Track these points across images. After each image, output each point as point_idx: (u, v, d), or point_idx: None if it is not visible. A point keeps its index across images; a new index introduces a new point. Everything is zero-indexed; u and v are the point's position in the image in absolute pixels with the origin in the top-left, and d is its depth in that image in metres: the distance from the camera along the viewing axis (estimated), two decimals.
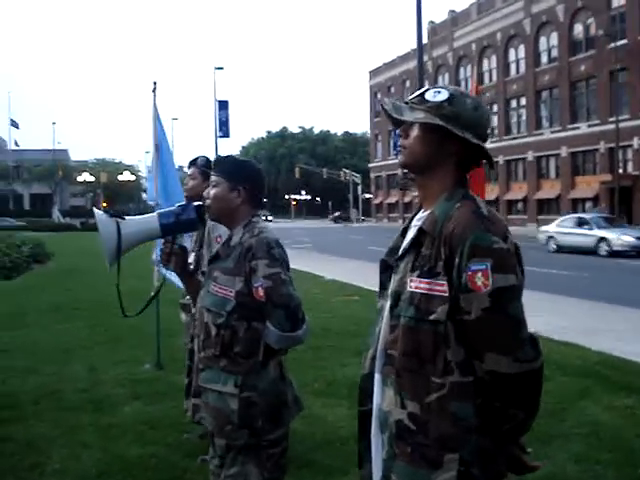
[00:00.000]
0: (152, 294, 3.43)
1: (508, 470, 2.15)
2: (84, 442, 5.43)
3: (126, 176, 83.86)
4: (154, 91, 7.68)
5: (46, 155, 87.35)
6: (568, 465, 4.86)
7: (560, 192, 48.54)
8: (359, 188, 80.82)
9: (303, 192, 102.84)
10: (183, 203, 3.33)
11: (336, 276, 17.51)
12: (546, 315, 11.08)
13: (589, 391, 6.72)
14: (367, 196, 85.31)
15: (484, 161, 2.23)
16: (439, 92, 2.14)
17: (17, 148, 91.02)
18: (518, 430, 2.09)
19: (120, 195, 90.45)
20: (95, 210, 3.17)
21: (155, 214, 3.28)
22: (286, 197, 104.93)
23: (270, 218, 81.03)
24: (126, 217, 3.21)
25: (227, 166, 3.20)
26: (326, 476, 4.72)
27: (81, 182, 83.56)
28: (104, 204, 79.15)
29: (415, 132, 2.14)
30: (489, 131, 2.21)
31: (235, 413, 2.99)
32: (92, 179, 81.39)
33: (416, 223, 2.18)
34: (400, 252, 2.18)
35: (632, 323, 10.95)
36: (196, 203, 3.32)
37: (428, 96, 2.14)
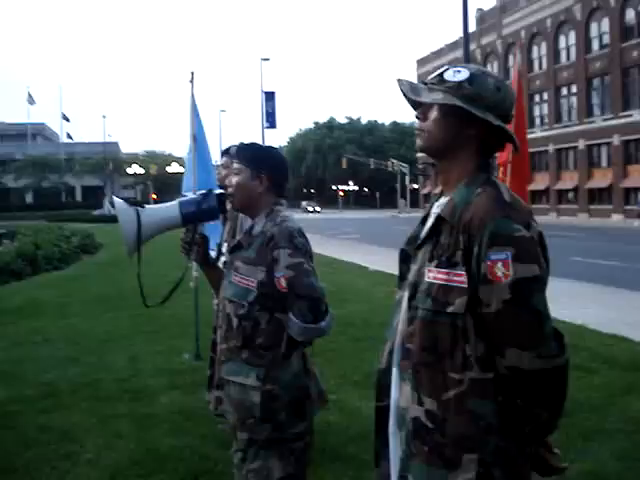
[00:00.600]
0: (175, 284, 3.37)
1: (534, 471, 2.03)
2: (119, 432, 5.45)
3: (175, 168, 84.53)
4: (192, 81, 7.66)
5: (97, 148, 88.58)
6: (610, 462, 4.68)
7: (612, 181, 47.55)
8: (407, 178, 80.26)
9: (350, 183, 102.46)
10: (204, 192, 3.26)
11: (381, 267, 17.35)
12: (593, 307, 10.82)
13: (636, 386, 6.50)
14: (415, 186, 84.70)
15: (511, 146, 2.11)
16: (459, 71, 2.02)
17: (69, 141, 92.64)
18: (542, 431, 1.98)
19: (169, 187, 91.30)
20: (115, 198, 3.13)
21: (176, 202, 3.23)
22: (333, 188, 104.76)
23: (318, 209, 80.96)
24: (146, 206, 3.16)
25: (249, 154, 3.12)
26: (359, 470, 4.63)
27: (131, 174, 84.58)
28: (154, 196, 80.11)
29: (434, 114, 2.03)
30: (513, 112, 2.09)
31: (257, 406, 2.93)
32: (142, 171, 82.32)
33: (435, 210, 2.07)
34: (419, 241, 2.08)
35: None
36: (218, 191, 3.26)
37: (447, 76, 2.02)
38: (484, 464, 1.89)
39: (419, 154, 77.47)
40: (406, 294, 2.07)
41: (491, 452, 1.89)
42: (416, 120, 2.09)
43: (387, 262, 18.66)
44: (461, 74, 2.01)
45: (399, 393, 2.06)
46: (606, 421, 5.51)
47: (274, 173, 3.10)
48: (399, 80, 2.09)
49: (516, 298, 1.83)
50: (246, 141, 3.31)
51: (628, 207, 46.13)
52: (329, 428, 5.37)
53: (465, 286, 1.89)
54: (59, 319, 10.72)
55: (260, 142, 3.40)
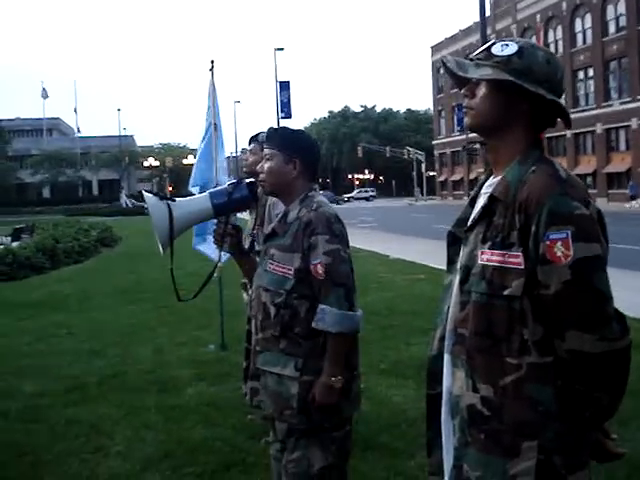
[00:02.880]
0: (206, 278, 3.32)
1: (591, 457, 1.97)
2: (148, 424, 5.41)
3: (190, 160, 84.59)
4: (212, 70, 7.61)
5: (113, 141, 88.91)
6: None
7: (631, 165, 47.10)
8: (423, 166, 79.92)
9: (366, 171, 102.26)
10: (234, 181, 3.20)
11: (401, 255, 17.29)
12: (621, 291, 10.67)
13: None
14: (431, 174, 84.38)
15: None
16: (507, 45, 1.94)
17: (84, 135, 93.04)
18: (602, 415, 1.91)
19: (185, 179, 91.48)
20: (145, 193, 3.06)
21: (207, 194, 3.17)
22: (349, 177, 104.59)
23: (346, 197, 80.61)
24: (177, 199, 3.10)
25: (281, 138, 3.05)
26: (392, 459, 4.58)
27: (147, 167, 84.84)
28: (170, 188, 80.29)
29: (482, 91, 1.95)
30: (564, 85, 2.00)
31: (295, 397, 2.86)
32: (157, 164, 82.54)
33: (486, 190, 1.99)
34: (470, 222, 2.00)
35: None
36: (248, 180, 3.19)
37: (495, 50, 1.94)
38: (544, 451, 1.82)
39: (434, 141, 77.50)
40: (457, 278, 2.00)
41: (551, 439, 1.83)
42: (464, 99, 2.01)
43: (406, 250, 18.65)
44: (509, 48, 1.93)
45: (452, 380, 2.00)
46: None
47: (307, 157, 3.03)
48: (444, 57, 2.01)
49: (577, 279, 1.75)
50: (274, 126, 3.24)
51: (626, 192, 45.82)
52: (359, 417, 5.29)
53: (522, 267, 1.82)
54: (81, 312, 10.74)
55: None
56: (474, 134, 2.04)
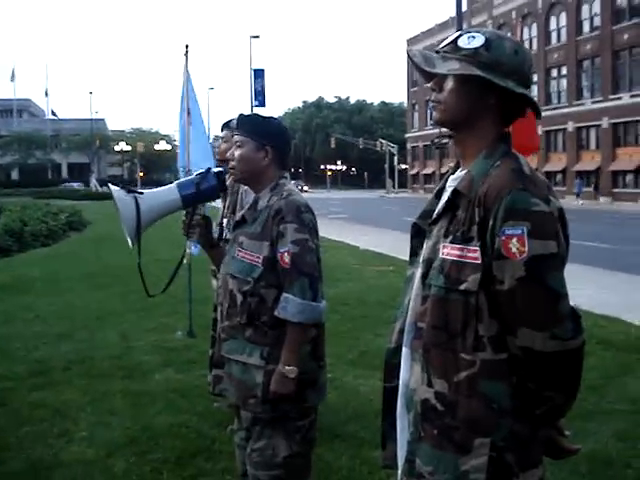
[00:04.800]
0: (174, 271, 3.29)
1: (545, 455, 1.96)
2: (113, 409, 5.38)
3: (162, 146, 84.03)
4: (186, 54, 7.55)
5: (84, 125, 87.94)
6: (610, 442, 4.67)
7: (600, 164, 47.61)
8: (395, 159, 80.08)
9: (339, 162, 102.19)
10: (201, 171, 3.16)
11: (371, 246, 17.32)
12: (589, 289, 10.82)
13: (631, 367, 6.50)
14: (403, 166, 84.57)
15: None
16: (474, 37, 1.90)
17: (55, 118, 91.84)
18: (554, 414, 1.90)
19: (157, 164, 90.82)
20: (111, 186, 3.00)
21: (174, 185, 3.12)
22: (322, 167, 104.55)
23: (306, 188, 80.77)
24: (144, 191, 3.06)
25: (252, 125, 3.01)
26: (359, 448, 4.60)
27: (118, 151, 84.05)
28: (141, 174, 79.68)
29: (450, 84, 1.91)
30: (532, 75, 1.99)
31: (259, 386, 2.85)
32: (129, 148, 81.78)
33: (451, 184, 1.97)
34: (434, 216, 1.98)
35: None
36: (216, 169, 3.15)
37: (462, 43, 1.90)
38: (496, 448, 1.81)
39: (407, 134, 77.63)
40: (419, 271, 1.99)
41: (504, 436, 1.81)
42: (432, 92, 1.98)
43: (377, 241, 18.70)
44: (476, 40, 1.89)
45: (409, 374, 1.98)
46: (604, 401, 5.50)
47: (279, 144, 3.01)
48: (410, 51, 1.96)
49: (530, 276, 1.73)
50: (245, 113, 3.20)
51: (615, 190, 46.32)
52: (326, 407, 5.31)
53: (479, 262, 1.80)
54: (49, 296, 10.62)
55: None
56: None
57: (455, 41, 1.93)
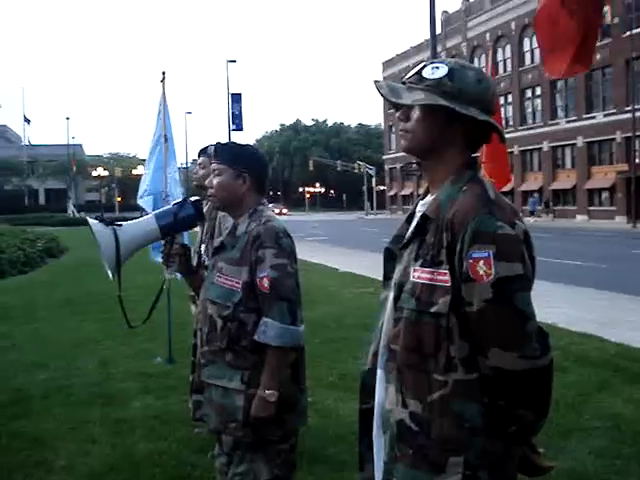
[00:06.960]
0: (153, 301, 3.32)
1: (519, 472, 2.01)
2: (93, 437, 5.34)
3: (140, 170, 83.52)
4: (163, 81, 7.59)
5: (61, 150, 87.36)
6: (588, 460, 4.70)
7: (576, 182, 48.10)
8: (373, 180, 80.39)
9: (317, 185, 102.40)
10: (179, 200, 3.21)
11: (350, 269, 17.35)
12: (565, 306, 10.91)
13: (608, 383, 6.55)
14: (381, 188, 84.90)
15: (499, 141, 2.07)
16: (437, 68, 1.97)
17: (31, 144, 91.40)
18: (526, 432, 1.94)
19: (135, 189, 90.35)
20: (89, 220, 3.03)
21: (151, 216, 3.17)
22: (300, 190, 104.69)
23: (285, 211, 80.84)
24: (123, 223, 3.09)
25: (229, 153, 3.06)
26: (340, 472, 4.60)
27: (96, 177, 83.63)
28: (119, 199, 79.31)
29: (416, 114, 1.98)
30: (496, 102, 2.05)
31: (240, 410, 2.87)
32: (106, 174, 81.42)
33: (420, 209, 2.03)
34: (405, 240, 2.03)
35: None
36: (193, 198, 3.21)
37: (426, 73, 1.97)
38: (470, 467, 1.85)
39: (385, 156, 77.98)
40: (391, 294, 2.03)
41: (477, 454, 1.86)
42: (399, 122, 2.04)
43: (356, 263, 18.72)
44: (440, 70, 1.96)
45: (384, 395, 2.02)
46: (582, 419, 5.54)
47: (256, 171, 3.06)
48: (377, 82, 2.03)
49: (498, 297, 1.79)
50: (222, 141, 3.25)
51: (591, 208, 46.79)
52: (306, 431, 5.31)
53: (448, 285, 1.85)
54: (26, 324, 10.52)
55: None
56: None
57: (420, 72, 1.99)
